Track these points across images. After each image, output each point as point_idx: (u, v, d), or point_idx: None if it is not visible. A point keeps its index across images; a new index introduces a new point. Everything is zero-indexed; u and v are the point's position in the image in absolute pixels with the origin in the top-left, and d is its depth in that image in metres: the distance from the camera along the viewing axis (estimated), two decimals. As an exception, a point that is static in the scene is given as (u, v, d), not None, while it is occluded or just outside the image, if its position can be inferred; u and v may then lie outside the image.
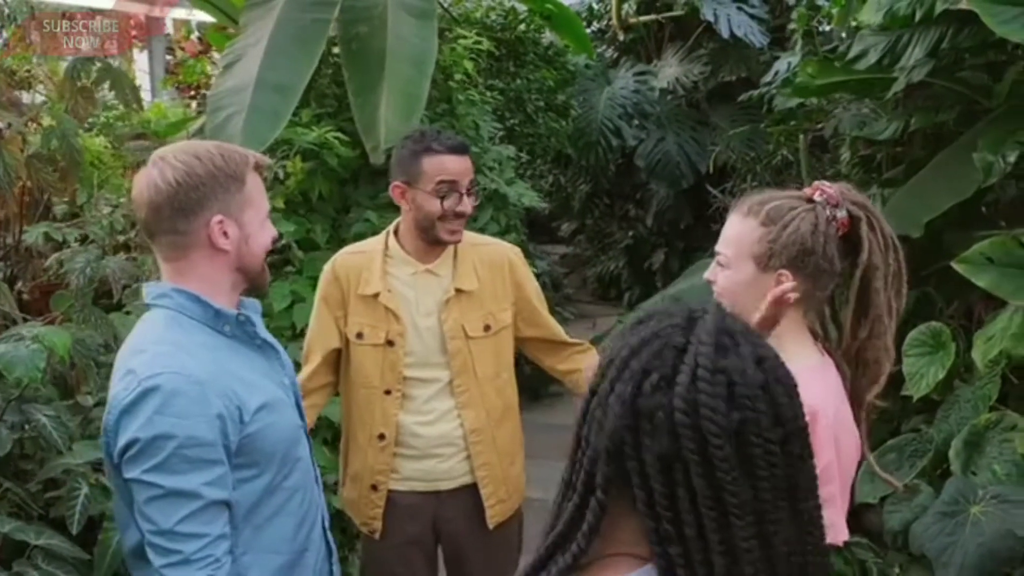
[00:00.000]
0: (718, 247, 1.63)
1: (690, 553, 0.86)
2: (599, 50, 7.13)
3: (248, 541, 1.54)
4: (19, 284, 3.10)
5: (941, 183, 3.13)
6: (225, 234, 1.53)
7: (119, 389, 1.45)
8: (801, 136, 4.43)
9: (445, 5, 4.90)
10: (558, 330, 2.42)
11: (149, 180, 1.51)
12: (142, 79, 5.72)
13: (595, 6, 7.59)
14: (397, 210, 2.27)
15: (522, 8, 5.70)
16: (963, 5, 2.60)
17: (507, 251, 2.33)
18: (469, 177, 2.16)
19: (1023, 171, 3.03)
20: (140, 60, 6.39)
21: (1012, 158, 2.78)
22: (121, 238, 3.14)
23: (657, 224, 7.12)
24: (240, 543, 1.53)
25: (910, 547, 2.66)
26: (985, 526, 2.49)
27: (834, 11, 3.98)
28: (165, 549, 1.42)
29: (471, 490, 2.25)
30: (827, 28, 4.52)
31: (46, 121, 3.14)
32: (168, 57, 6.66)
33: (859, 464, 1.59)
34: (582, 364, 2.33)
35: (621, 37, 7.24)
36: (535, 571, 0.93)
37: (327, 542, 1.75)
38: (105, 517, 2.17)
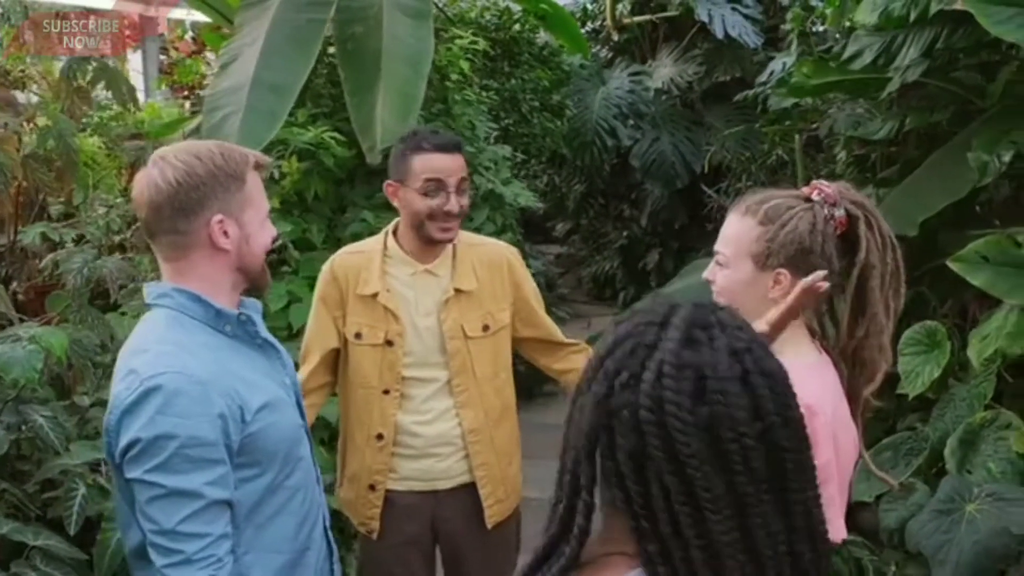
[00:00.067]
0: (717, 246, 1.64)
1: (669, 550, 0.86)
2: (593, 50, 7.14)
3: (250, 540, 1.54)
4: (14, 284, 3.09)
5: (936, 183, 3.14)
6: (225, 234, 1.53)
7: (121, 389, 1.45)
8: (796, 136, 4.45)
9: (440, 5, 4.89)
10: (555, 330, 2.42)
11: (149, 180, 1.51)
12: (135, 79, 5.71)
13: (589, 6, 7.59)
14: (393, 210, 2.27)
15: (517, 8, 5.70)
16: (958, 5, 2.62)
17: (506, 252, 2.34)
18: (459, 176, 2.14)
19: (1017, 171, 3.05)
20: (134, 60, 6.38)
21: (1007, 158, 2.79)
22: (117, 238, 3.13)
23: (652, 224, 7.13)
24: (242, 542, 1.52)
25: (906, 545, 2.68)
26: (980, 524, 2.51)
27: (828, 12, 4.00)
28: (167, 549, 1.42)
29: (469, 489, 2.25)
30: (821, 28, 4.54)
31: (42, 121, 3.13)
32: (162, 57, 6.64)
33: (856, 462, 1.60)
34: (578, 364, 2.33)
35: (615, 37, 7.25)
36: (532, 571, 0.93)
37: (328, 541, 1.75)
38: (103, 518, 2.17)
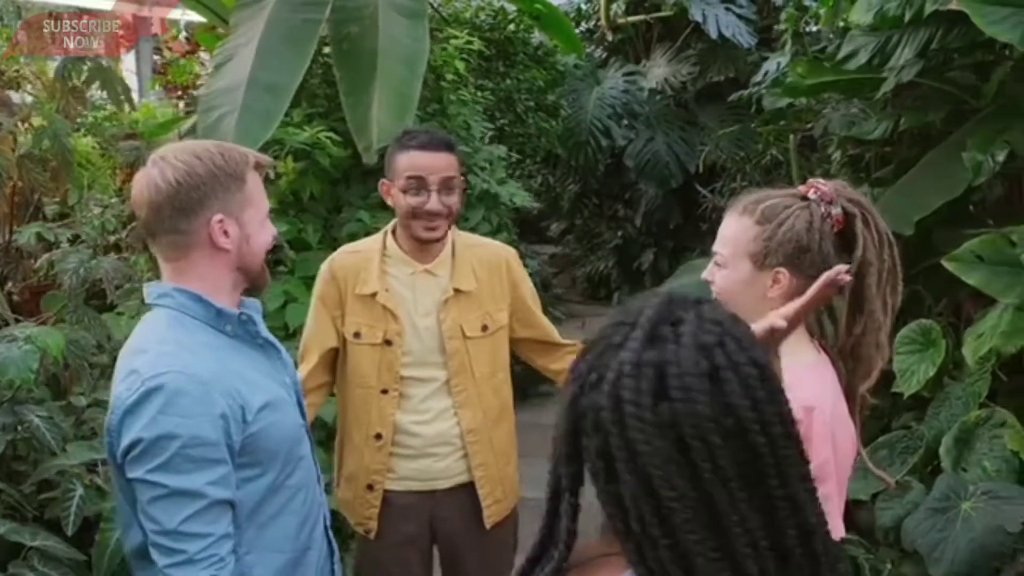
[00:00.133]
0: (715, 247, 1.64)
1: (642, 548, 0.85)
2: (588, 50, 7.16)
3: (252, 540, 1.54)
4: (9, 285, 3.08)
5: (931, 182, 3.16)
6: (226, 233, 1.53)
7: (122, 389, 1.44)
8: (791, 136, 4.46)
9: (435, 5, 4.90)
10: (552, 331, 2.42)
11: (149, 180, 1.51)
12: (129, 79, 5.69)
13: (583, 6, 7.61)
14: (389, 210, 2.27)
15: (511, 8, 5.70)
16: (953, 6, 2.63)
17: (504, 252, 2.34)
18: (442, 174, 2.11)
19: (1010, 170, 3.06)
20: (127, 60, 6.36)
21: (1001, 157, 2.81)
22: (112, 238, 3.12)
23: (646, 224, 7.14)
24: (244, 542, 1.52)
25: (902, 543, 2.69)
26: (976, 522, 2.52)
27: (821, 12, 4.01)
28: (169, 549, 1.42)
29: (468, 489, 2.25)
30: (814, 29, 4.55)
31: (37, 121, 3.12)
32: (155, 57, 6.63)
33: (854, 461, 1.61)
34: (575, 364, 2.33)
35: (609, 37, 7.27)
36: (526, 572, 0.93)
37: (329, 541, 1.75)
38: (101, 518, 2.17)
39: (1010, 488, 2.59)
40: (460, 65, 4.16)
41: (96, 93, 4.05)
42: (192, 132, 3.50)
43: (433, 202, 2.10)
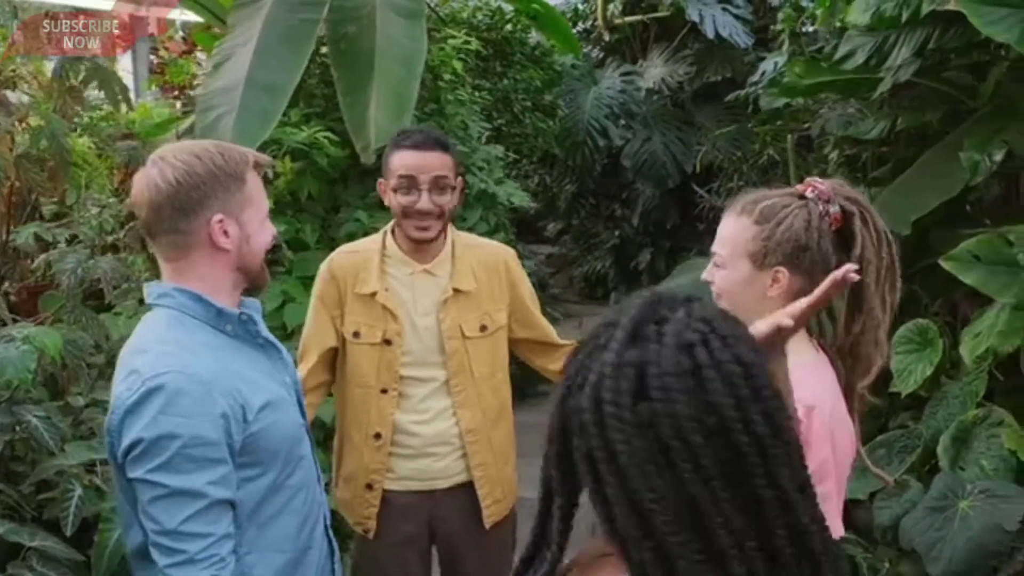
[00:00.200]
0: (713, 247, 1.64)
1: (628, 549, 0.84)
2: (585, 50, 7.16)
3: (252, 540, 1.54)
4: (6, 285, 3.07)
5: (928, 182, 3.16)
6: (226, 233, 1.53)
7: (122, 389, 1.44)
8: (789, 136, 4.47)
9: (432, 5, 4.90)
10: (550, 331, 2.42)
11: (149, 180, 1.51)
12: (125, 79, 5.68)
13: (580, 6, 7.61)
14: (387, 210, 2.26)
15: (508, 8, 5.71)
16: (950, 6, 2.63)
17: (504, 253, 2.34)
18: (433, 173, 2.10)
19: (1007, 170, 3.07)
20: (123, 60, 6.35)
21: (998, 157, 2.81)
22: (109, 238, 3.11)
23: (643, 224, 7.15)
24: (244, 542, 1.52)
25: (900, 542, 2.70)
26: (973, 520, 2.53)
27: (818, 12, 4.02)
28: (170, 549, 1.41)
29: (467, 489, 2.25)
30: (811, 29, 4.56)
31: (34, 121, 3.12)
32: (151, 57, 6.62)
33: (853, 460, 1.61)
34: (574, 364, 2.33)
35: (606, 37, 7.27)
36: (519, 573, 0.93)
37: (329, 540, 1.76)
38: (100, 518, 2.16)
39: (1007, 487, 2.60)
40: (458, 65, 4.16)
41: (93, 93, 4.04)
42: (190, 132, 3.50)
43: (424, 201, 2.10)
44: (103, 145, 3.80)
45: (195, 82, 5.44)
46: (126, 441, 1.42)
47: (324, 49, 3.81)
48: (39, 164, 2.96)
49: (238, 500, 1.50)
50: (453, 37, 4.35)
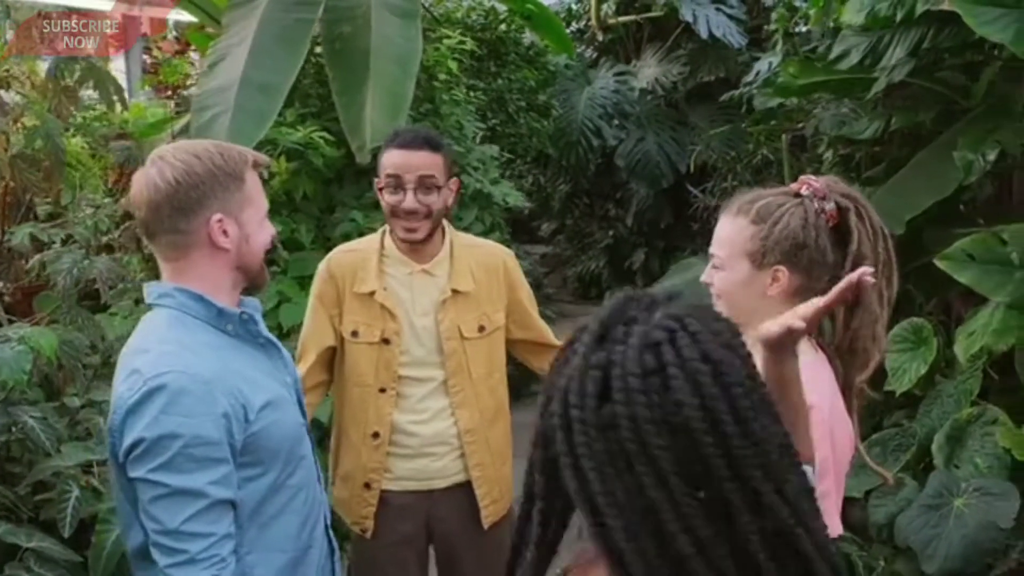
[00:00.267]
0: (711, 249, 1.64)
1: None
2: (578, 50, 7.17)
3: (253, 540, 1.54)
4: (1, 285, 3.06)
5: (921, 181, 3.18)
6: (225, 233, 1.53)
7: (124, 389, 1.44)
8: (783, 136, 4.48)
9: (426, 5, 4.89)
10: (548, 332, 2.42)
11: (148, 179, 1.51)
12: (118, 79, 5.66)
13: (574, 7, 7.62)
14: (381, 209, 2.26)
15: (502, 8, 5.70)
16: (945, 6, 2.65)
17: (502, 253, 2.34)
18: (419, 172, 2.09)
19: (999, 169, 3.09)
20: (116, 60, 6.33)
21: (991, 156, 2.83)
22: (104, 239, 3.11)
23: (637, 223, 7.16)
24: (245, 542, 1.52)
25: (895, 540, 2.71)
26: (968, 518, 2.55)
27: (811, 12, 4.03)
28: (170, 549, 1.41)
29: (465, 489, 2.25)
30: (804, 29, 4.57)
31: (29, 121, 3.11)
32: (144, 57, 6.59)
33: (852, 457, 1.61)
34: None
35: (600, 37, 7.28)
36: (509, 572, 0.93)
37: (329, 540, 1.76)
38: (97, 519, 2.15)
39: (1002, 484, 2.61)
40: (453, 65, 4.16)
41: (87, 93, 4.03)
42: (185, 132, 3.49)
43: (409, 200, 2.09)
44: (96, 145, 3.79)
45: (188, 82, 5.43)
46: (128, 441, 1.42)
47: (319, 49, 3.81)
48: (34, 164, 2.94)
49: (239, 500, 1.50)
50: (448, 37, 4.35)
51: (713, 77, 6.63)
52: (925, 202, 3.07)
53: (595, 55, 7.50)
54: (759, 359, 1.33)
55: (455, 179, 2.21)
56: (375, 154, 2.64)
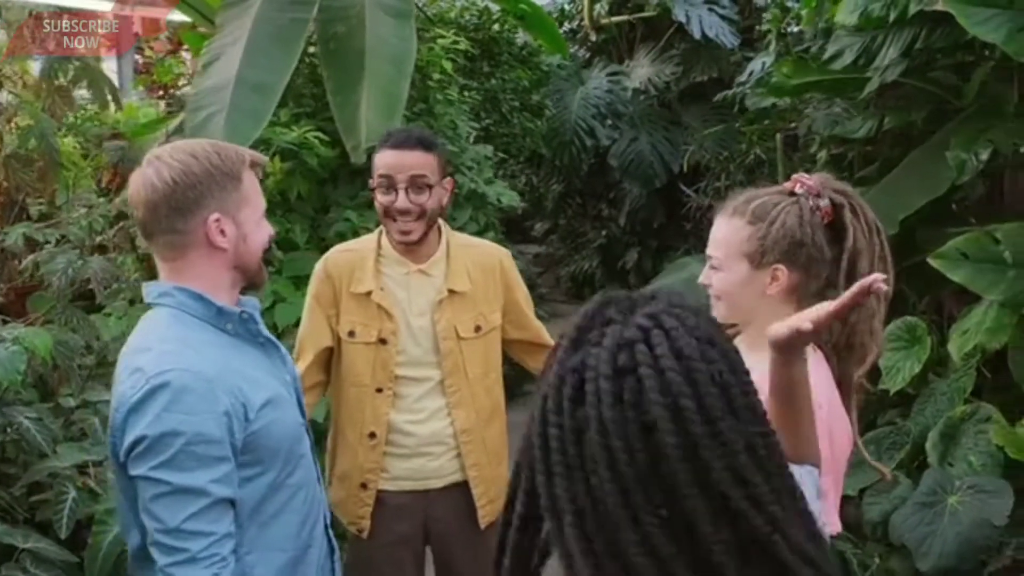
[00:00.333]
0: (708, 250, 1.65)
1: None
2: (571, 50, 7.17)
3: (253, 539, 1.54)
4: (-6, 285, 3.05)
5: (914, 181, 3.19)
6: (223, 232, 1.53)
7: (126, 387, 1.44)
8: (777, 136, 4.49)
9: (420, 5, 4.89)
10: (544, 333, 2.43)
11: (145, 180, 1.51)
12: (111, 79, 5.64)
13: (567, 7, 7.62)
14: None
15: (496, 8, 5.71)
16: (939, 6, 2.66)
17: (499, 254, 2.34)
18: (410, 172, 2.08)
19: (991, 169, 3.10)
20: (108, 60, 6.31)
21: (984, 156, 2.84)
22: (98, 238, 3.10)
23: (630, 223, 7.16)
24: (245, 541, 1.52)
25: (889, 538, 2.72)
26: (962, 516, 2.56)
27: (803, 12, 4.04)
28: (171, 547, 1.41)
29: (461, 489, 2.25)
30: (796, 29, 4.59)
31: (23, 121, 3.09)
32: (136, 57, 6.57)
33: (850, 455, 1.62)
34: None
35: (593, 37, 7.28)
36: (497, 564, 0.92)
37: (329, 539, 1.76)
38: (94, 520, 2.15)
39: (996, 482, 2.63)
40: (447, 65, 4.16)
41: (79, 93, 4.02)
42: (179, 132, 3.48)
43: (401, 200, 2.08)
44: (88, 145, 3.78)
45: (180, 82, 5.41)
46: (129, 438, 1.42)
47: (312, 49, 3.81)
48: (28, 164, 2.93)
49: (239, 499, 1.49)
50: (442, 37, 4.35)
51: (706, 77, 6.64)
52: (918, 201, 3.08)
53: (588, 55, 7.50)
54: (756, 358, 1.34)
55: (449, 179, 2.21)
56: (370, 154, 2.64)
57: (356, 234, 3.27)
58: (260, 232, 1.61)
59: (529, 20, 5.35)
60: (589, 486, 0.79)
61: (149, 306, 1.58)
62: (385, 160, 2.11)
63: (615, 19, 7.10)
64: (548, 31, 5.44)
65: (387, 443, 2.20)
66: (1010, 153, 2.97)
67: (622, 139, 6.72)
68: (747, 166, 5.55)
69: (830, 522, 1.51)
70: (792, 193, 1.60)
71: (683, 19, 6.34)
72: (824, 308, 1.14)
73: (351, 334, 2.18)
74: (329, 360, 2.25)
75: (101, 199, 3.25)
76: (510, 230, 7.35)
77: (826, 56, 3.35)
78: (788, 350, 1.18)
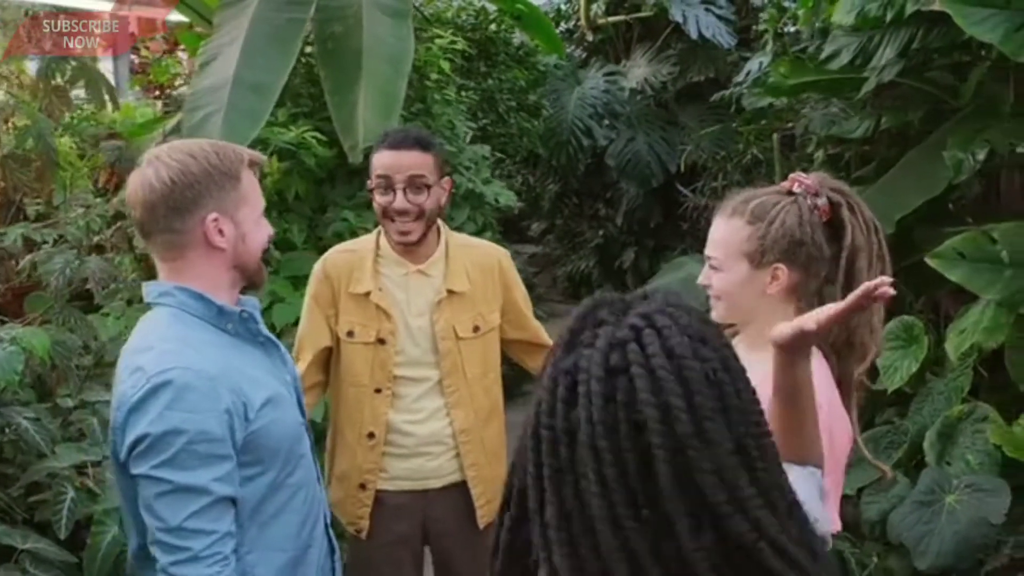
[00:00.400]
0: (707, 251, 1.65)
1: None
2: (568, 50, 7.17)
3: (254, 539, 1.54)
4: (-9, 286, 3.05)
5: (911, 181, 3.20)
6: (220, 232, 1.53)
7: (127, 387, 1.44)
8: (774, 135, 4.50)
9: (416, 4, 4.89)
10: (542, 333, 2.43)
11: (144, 180, 1.50)
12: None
13: (563, 7, 7.62)
14: (373, 209, 2.26)
15: (492, 8, 5.71)
16: (936, 6, 2.67)
17: (497, 254, 2.34)
18: (408, 172, 2.08)
19: (988, 168, 3.11)
20: (104, 60, 6.30)
21: (981, 156, 2.85)
22: (96, 239, 3.09)
23: (627, 223, 7.16)
24: (245, 541, 1.52)
25: (887, 536, 2.73)
26: (960, 514, 2.56)
27: (800, 12, 4.05)
28: (173, 547, 1.41)
29: (460, 488, 2.25)
30: (792, 29, 4.60)
31: (20, 121, 3.09)
32: (132, 57, 6.56)
33: (850, 453, 1.62)
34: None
35: (590, 37, 7.28)
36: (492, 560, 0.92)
37: (329, 539, 1.75)
38: (93, 521, 2.15)
39: (993, 481, 2.63)
40: (445, 65, 4.16)
41: (76, 92, 4.01)
42: (176, 131, 3.48)
43: (399, 200, 2.08)
44: (84, 145, 3.77)
45: (176, 82, 5.41)
46: (130, 437, 1.41)
47: (309, 49, 3.80)
48: (25, 164, 2.93)
49: (240, 498, 1.49)
50: (440, 37, 4.35)
51: (702, 77, 6.64)
52: (915, 201, 3.09)
53: (585, 55, 7.50)
54: (756, 358, 1.34)
55: (447, 178, 2.21)
56: (367, 154, 2.64)
57: (354, 234, 3.27)
58: (259, 232, 1.61)
59: (526, 20, 5.35)
60: (577, 489, 0.79)
61: (147, 306, 1.58)
62: (383, 161, 2.11)
63: (612, 19, 7.10)
64: (545, 31, 5.44)
65: (386, 443, 2.20)
66: (1006, 153, 2.98)
67: (619, 139, 6.72)
68: (744, 166, 5.56)
69: (832, 520, 1.51)
70: (790, 192, 1.61)
71: (680, 19, 6.34)
72: (828, 310, 1.14)
73: (350, 334, 2.18)
74: (328, 360, 2.25)
75: (98, 199, 3.24)
76: (507, 230, 7.35)
77: (823, 56, 3.35)
78: (792, 351, 1.18)
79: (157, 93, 5.77)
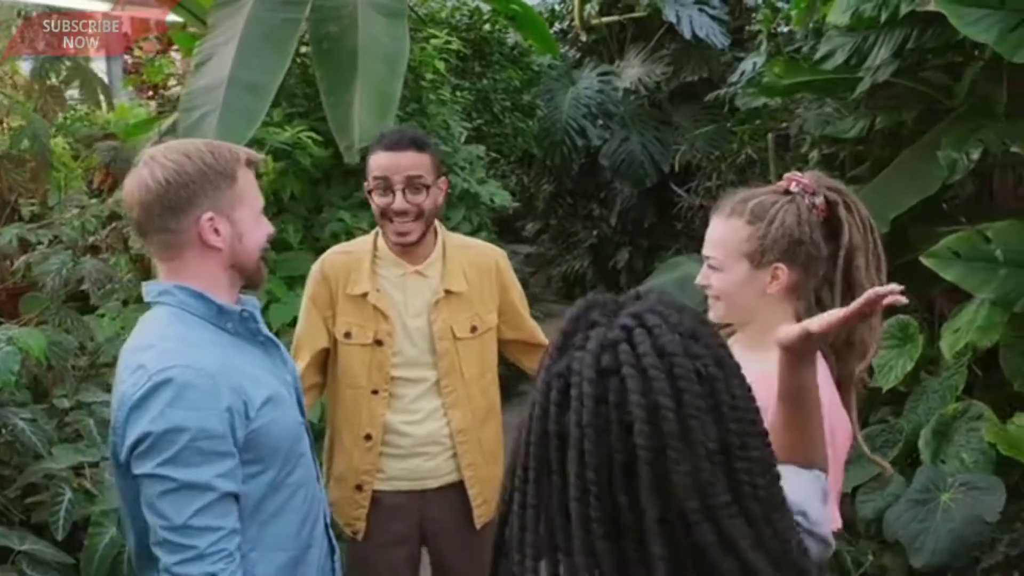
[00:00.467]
0: (705, 251, 1.65)
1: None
2: (562, 51, 7.18)
3: (254, 538, 1.53)
4: (-14, 287, 3.04)
5: (905, 181, 3.21)
6: (216, 231, 1.53)
7: (128, 386, 1.43)
8: (769, 135, 4.51)
9: (411, 5, 4.89)
10: (539, 333, 2.43)
11: (140, 180, 1.50)
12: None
13: (557, 7, 7.63)
14: (370, 209, 2.26)
15: (487, 8, 5.71)
16: (931, 7, 2.68)
17: (494, 254, 2.34)
18: (407, 173, 2.08)
19: (982, 168, 3.13)
20: (97, 60, 6.28)
21: (975, 155, 2.86)
22: (91, 239, 3.09)
23: (621, 223, 7.17)
24: (246, 540, 1.51)
25: (883, 535, 2.74)
26: (955, 512, 2.58)
27: (793, 12, 4.06)
28: (178, 545, 1.40)
29: (457, 489, 2.25)
30: (785, 29, 4.61)
31: (15, 121, 3.08)
32: (125, 57, 6.54)
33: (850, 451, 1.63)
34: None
35: (583, 38, 7.29)
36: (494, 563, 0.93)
37: (329, 539, 1.75)
38: (90, 522, 2.14)
39: (988, 479, 2.65)
40: (440, 65, 4.16)
41: (70, 93, 4.00)
42: (171, 131, 3.47)
43: (398, 201, 2.09)
44: (78, 146, 3.76)
45: (170, 82, 5.39)
46: (132, 437, 1.41)
47: (304, 49, 3.80)
48: (20, 165, 2.92)
49: (241, 497, 1.49)
50: (435, 37, 4.35)
51: (696, 77, 6.66)
52: (909, 201, 3.10)
53: (579, 55, 7.51)
54: (755, 358, 1.35)
55: (444, 178, 2.21)
56: (363, 154, 2.63)
57: (350, 234, 3.26)
58: (258, 231, 1.60)
59: (520, 20, 5.35)
60: (561, 494, 0.79)
61: (144, 306, 1.58)
62: (380, 162, 2.11)
63: (605, 19, 7.11)
64: (539, 31, 5.44)
65: (383, 444, 2.20)
66: (1000, 152, 2.99)
67: (613, 139, 6.73)
68: (738, 166, 5.57)
69: (832, 518, 1.52)
70: (787, 192, 1.62)
71: (673, 19, 6.36)
72: (835, 314, 1.14)
73: (347, 336, 2.18)
74: (325, 362, 2.25)
75: (93, 200, 3.23)
76: (501, 230, 7.35)
77: (817, 56, 3.37)
78: (798, 353, 1.18)
79: (150, 93, 5.75)
